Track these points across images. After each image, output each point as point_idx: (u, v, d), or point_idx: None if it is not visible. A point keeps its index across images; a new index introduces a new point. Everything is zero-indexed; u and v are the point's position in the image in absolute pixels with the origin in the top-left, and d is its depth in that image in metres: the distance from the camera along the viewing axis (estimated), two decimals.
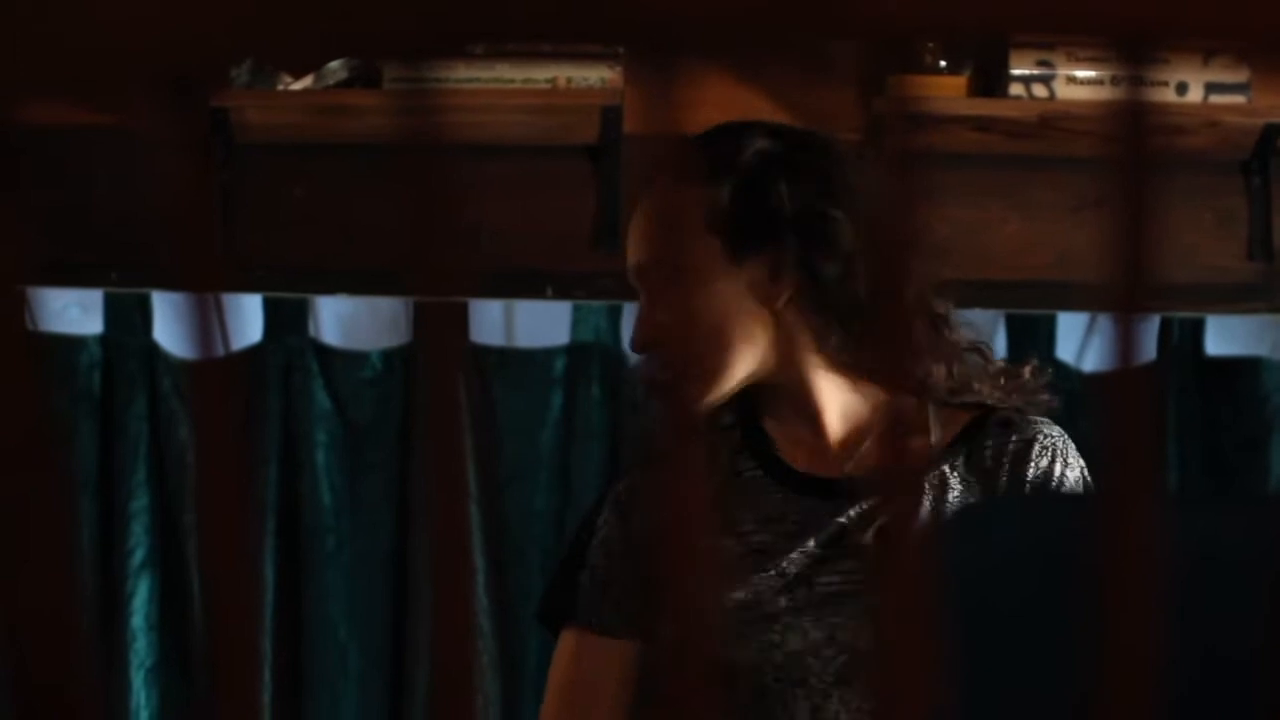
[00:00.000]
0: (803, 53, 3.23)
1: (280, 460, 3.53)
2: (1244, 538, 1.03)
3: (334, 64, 3.20)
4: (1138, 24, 0.63)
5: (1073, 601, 0.66)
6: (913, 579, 0.65)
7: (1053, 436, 1.95)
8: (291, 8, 0.66)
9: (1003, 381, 1.99)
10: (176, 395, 3.52)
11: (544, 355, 3.57)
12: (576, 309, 3.53)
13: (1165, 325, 3.56)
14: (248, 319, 3.54)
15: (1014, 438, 1.94)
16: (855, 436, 1.94)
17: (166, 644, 3.53)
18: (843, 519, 1.90)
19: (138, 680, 3.50)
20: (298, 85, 3.22)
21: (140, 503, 3.51)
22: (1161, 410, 3.47)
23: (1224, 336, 3.61)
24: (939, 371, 1.94)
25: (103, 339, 3.54)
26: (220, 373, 0.68)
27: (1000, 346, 3.62)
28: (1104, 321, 0.65)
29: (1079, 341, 3.61)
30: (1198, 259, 3.32)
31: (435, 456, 0.67)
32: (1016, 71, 3.21)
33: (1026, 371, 2.01)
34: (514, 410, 3.55)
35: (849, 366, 1.93)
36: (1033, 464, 1.93)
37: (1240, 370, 3.59)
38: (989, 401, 1.97)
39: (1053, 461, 1.93)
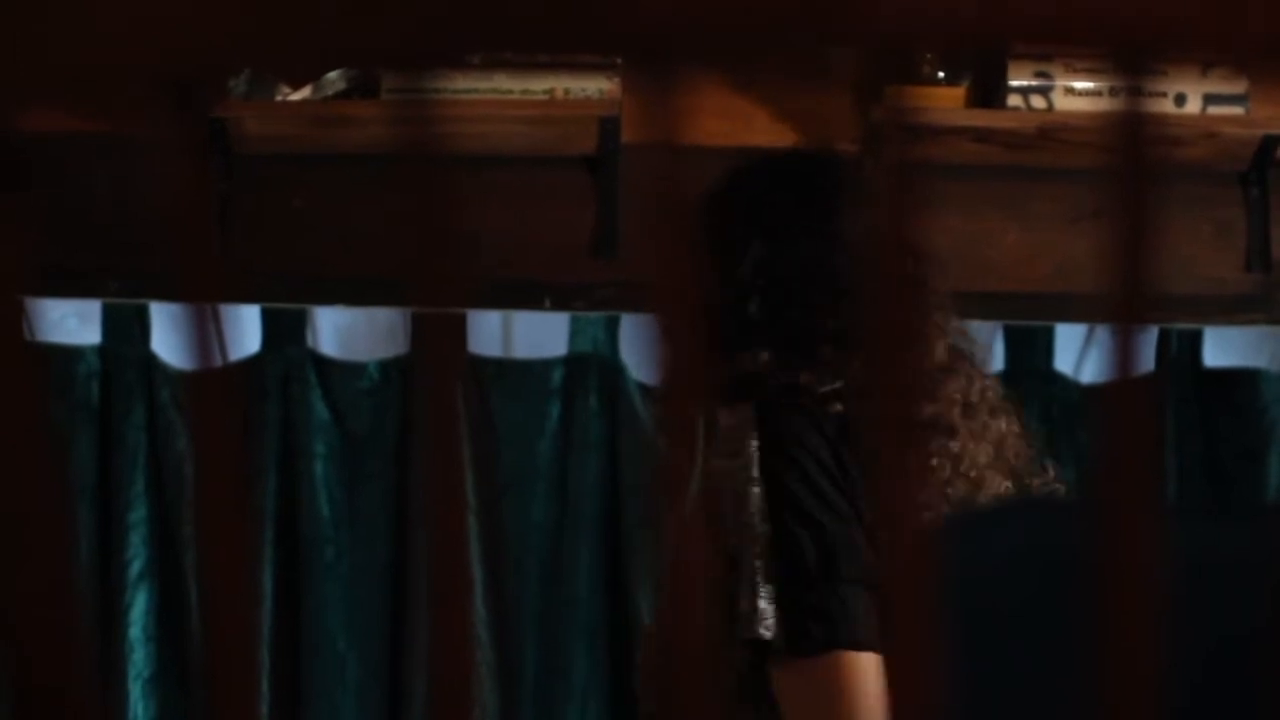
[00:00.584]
0: (800, 62, 3.23)
1: (278, 471, 3.53)
2: (1242, 548, 1.03)
3: (332, 74, 3.20)
4: (1136, 35, 0.63)
5: (1072, 609, 0.66)
6: (915, 583, 0.65)
7: None
8: (290, 18, 0.66)
9: None
10: (175, 406, 3.51)
11: (542, 366, 3.57)
12: (574, 320, 3.53)
13: (1164, 336, 3.56)
14: (246, 329, 3.54)
15: None
16: None
17: (164, 655, 3.53)
18: None
19: (135, 691, 3.49)
20: (296, 96, 3.22)
21: (138, 513, 3.51)
22: (1160, 421, 3.47)
23: (1222, 348, 3.61)
24: None
25: (101, 349, 3.54)
26: (218, 383, 0.68)
27: (999, 358, 3.62)
28: (1102, 332, 0.65)
29: (1077, 353, 3.61)
30: (1196, 270, 3.32)
31: (433, 467, 0.67)
32: (1014, 83, 3.21)
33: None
34: (512, 421, 3.54)
35: None
36: None
37: (1238, 381, 3.59)
38: None
39: None
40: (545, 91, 3.22)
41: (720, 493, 1.95)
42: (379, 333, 3.61)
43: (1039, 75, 3.21)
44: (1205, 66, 3.18)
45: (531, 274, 3.34)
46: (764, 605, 1.92)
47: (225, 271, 0.68)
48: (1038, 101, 3.22)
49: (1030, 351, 3.60)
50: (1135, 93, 0.63)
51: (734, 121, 3.23)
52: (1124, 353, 0.64)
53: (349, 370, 3.58)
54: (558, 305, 3.38)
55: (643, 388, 3.49)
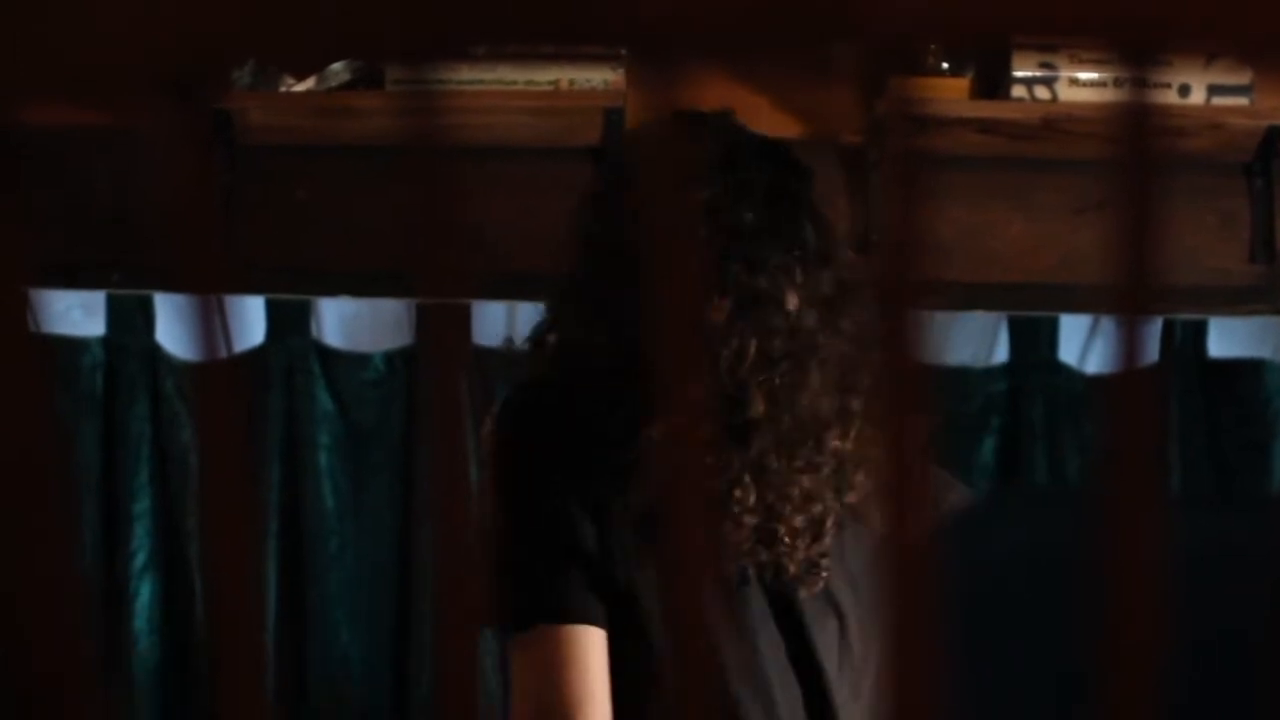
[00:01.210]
0: (804, 54, 3.23)
1: (283, 462, 3.53)
2: (1247, 539, 1.03)
3: (337, 66, 3.19)
4: (1140, 26, 0.63)
5: (1075, 601, 0.66)
6: (917, 577, 0.65)
7: None
8: (294, 9, 0.66)
9: None
10: (179, 397, 3.52)
11: None
12: None
13: (1168, 327, 3.56)
14: (250, 321, 3.54)
15: None
16: None
17: (169, 646, 3.53)
18: None
19: (140, 682, 3.50)
20: (300, 87, 3.22)
21: (143, 505, 3.51)
22: (1164, 412, 3.47)
23: (1226, 338, 3.61)
24: None
25: (105, 341, 3.54)
26: (223, 374, 0.68)
27: (1003, 349, 3.62)
28: (1107, 323, 0.65)
29: (1082, 344, 3.61)
30: (1200, 261, 3.32)
31: (438, 458, 0.67)
32: (1019, 73, 3.21)
33: None
34: None
35: None
36: None
37: (1243, 372, 3.59)
38: None
39: None
40: (550, 83, 3.22)
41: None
42: (384, 324, 3.61)
43: (1043, 66, 3.21)
44: (1210, 57, 3.18)
45: (536, 265, 3.34)
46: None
47: (229, 263, 0.68)
48: (1042, 92, 3.22)
49: (1035, 342, 3.60)
50: (1140, 84, 0.63)
51: (737, 114, 3.22)
52: (1128, 343, 0.64)
53: (354, 361, 3.59)
54: None
55: None
